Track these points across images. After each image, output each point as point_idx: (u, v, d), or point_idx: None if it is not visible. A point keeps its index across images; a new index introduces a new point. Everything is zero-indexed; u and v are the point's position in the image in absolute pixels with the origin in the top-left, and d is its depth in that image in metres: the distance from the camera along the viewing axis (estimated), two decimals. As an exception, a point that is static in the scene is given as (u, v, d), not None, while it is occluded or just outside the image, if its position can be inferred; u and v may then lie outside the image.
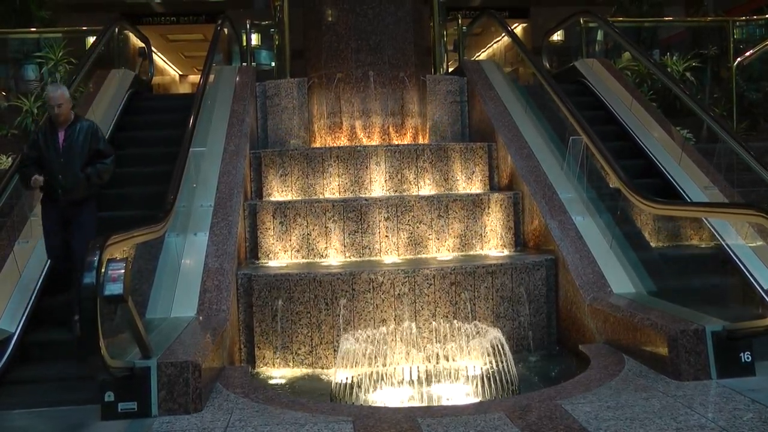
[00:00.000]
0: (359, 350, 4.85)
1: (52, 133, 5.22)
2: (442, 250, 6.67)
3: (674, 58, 10.64)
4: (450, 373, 4.87)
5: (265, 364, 5.67)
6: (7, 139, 9.06)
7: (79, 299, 3.40)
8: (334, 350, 5.46)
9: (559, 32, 11.98)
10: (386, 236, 6.58)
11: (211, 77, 8.35)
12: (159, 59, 19.85)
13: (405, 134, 8.10)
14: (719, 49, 10.94)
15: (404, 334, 5.31)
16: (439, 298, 5.74)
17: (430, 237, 6.66)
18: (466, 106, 8.79)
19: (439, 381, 4.84)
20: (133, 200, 6.69)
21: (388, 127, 8.01)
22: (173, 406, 3.88)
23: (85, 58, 8.24)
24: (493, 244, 6.79)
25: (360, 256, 6.55)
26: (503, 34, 15.54)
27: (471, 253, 6.70)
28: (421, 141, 8.21)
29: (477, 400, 4.62)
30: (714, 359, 4.25)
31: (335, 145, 7.92)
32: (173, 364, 3.92)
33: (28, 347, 5.00)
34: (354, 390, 4.69)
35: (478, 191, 7.30)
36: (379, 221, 6.58)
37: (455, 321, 5.51)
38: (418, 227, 6.64)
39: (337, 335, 5.47)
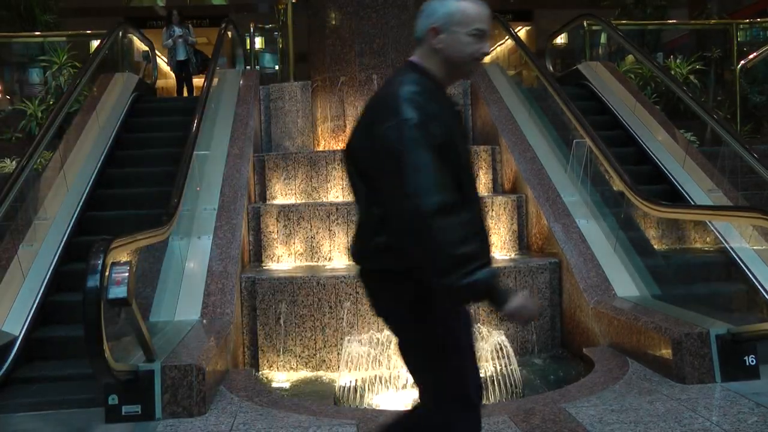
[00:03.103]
0: (363, 353, 4.84)
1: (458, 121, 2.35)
2: (445, 253, 6.64)
3: (678, 60, 10.65)
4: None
5: (269, 367, 5.67)
6: (12, 143, 9.10)
7: (83, 302, 3.40)
8: (338, 353, 5.46)
9: (562, 35, 12.00)
10: (390, 239, 6.56)
11: (215, 80, 8.37)
12: (163, 63, 19.85)
13: (408, 137, 8.07)
14: (723, 52, 10.95)
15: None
16: (443, 301, 5.71)
17: (434, 240, 6.63)
18: (470, 109, 8.78)
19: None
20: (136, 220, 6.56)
21: (392, 130, 7.98)
22: (177, 409, 3.89)
23: (89, 62, 8.27)
24: (497, 248, 6.77)
25: (364, 259, 6.52)
26: (507, 37, 15.53)
27: (474, 256, 6.67)
28: (424, 144, 8.18)
29: (481, 403, 4.61)
30: (718, 362, 4.23)
31: (339, 148, 7.92)
32: (177, 367, 3.92)
33: (31, 349, 5.01)
34: (358, 393, 4.69)
35: (482, 194, 7.29)
36: (383, 224, 6.55)
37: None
38: (421, 230, 6.61)
39: (341, 338, 5.47)
